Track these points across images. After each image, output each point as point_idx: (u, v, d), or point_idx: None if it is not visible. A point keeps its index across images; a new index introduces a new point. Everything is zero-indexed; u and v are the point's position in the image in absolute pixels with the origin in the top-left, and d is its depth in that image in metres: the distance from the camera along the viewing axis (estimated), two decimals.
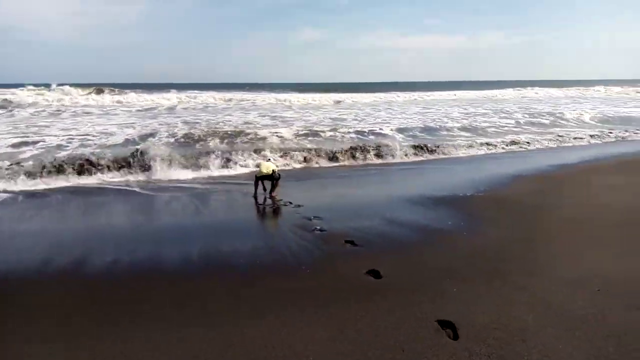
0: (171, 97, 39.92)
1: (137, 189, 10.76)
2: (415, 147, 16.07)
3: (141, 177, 11.95)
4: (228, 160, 13.42)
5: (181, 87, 75.71)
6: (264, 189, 10.06)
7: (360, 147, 15.50)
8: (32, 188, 10.72)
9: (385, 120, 25.28)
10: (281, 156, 14.09)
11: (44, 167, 11.77)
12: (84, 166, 12.11)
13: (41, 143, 16.32)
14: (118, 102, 36.41)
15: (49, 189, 10.72)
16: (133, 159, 12.62)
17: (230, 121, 24.04)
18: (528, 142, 18.03)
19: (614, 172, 12.02)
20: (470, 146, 16.75)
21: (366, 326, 4.26)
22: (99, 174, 11.92)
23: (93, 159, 12.56)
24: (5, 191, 10.34)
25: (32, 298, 5.13)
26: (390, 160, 14.48)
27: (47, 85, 49.72)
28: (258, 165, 10.59)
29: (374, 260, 5.88)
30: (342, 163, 14.21)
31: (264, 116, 27.47)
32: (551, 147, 17.63)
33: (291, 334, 4.19)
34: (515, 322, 4.25)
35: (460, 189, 9.90)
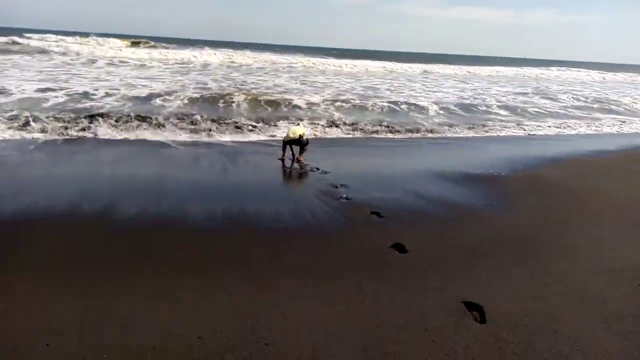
0: (206, 55, 39.80)
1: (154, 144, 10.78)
2: (449, 122, 15.60)
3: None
4: (238, 127, 13.03)
5: (216, 44, 75.70)
6: (293, 154, 9.89)
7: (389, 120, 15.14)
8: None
9: (420, 92, 24.43)
10: (309, 123, 13.86)
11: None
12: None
13: (67, 90, 16.58)
14: (152, 56, 36.33)
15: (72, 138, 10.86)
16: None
17: (262, 84, 23.74)
18: (569, 126, 17.23)
19: None
20: (506, 127, 16.06)
21: (387, 302, 4.10)
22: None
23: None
24: None
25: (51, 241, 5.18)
26: (422, 134, 13.94)
27: (86, 34, 50.77)
28: (287, 129, 10.38)
29: (400, 234, 5.67)
30: (371, 135, 13.71)
31: (295, 80, 27.09)
32: (595, 132, 16.69)
33: (306, 305, 4.05)
34: (546, 311, 4.00)
35: (495, 168, 9.46)
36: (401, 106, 18.49)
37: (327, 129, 13.49)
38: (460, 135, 13.88)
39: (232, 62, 37.51)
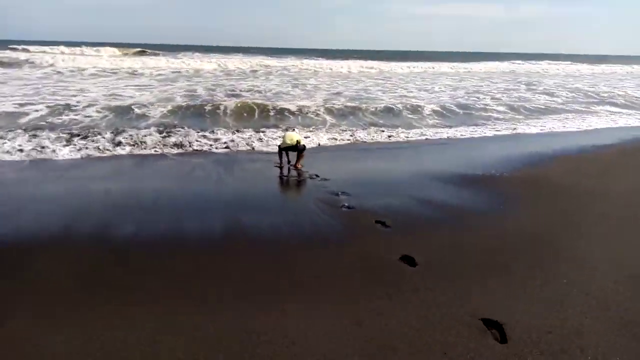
0: (197, 61, 39.48)
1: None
2: (446, 123, 15.52)
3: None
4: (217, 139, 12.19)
5: (205, 49, 75.63)
6: (288, 161, 9.65)
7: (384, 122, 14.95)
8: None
9: (414, 93, 24.17)
10: (303, 129, 13.60)
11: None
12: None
13: (49, 103, 16.12)
14: (144, 65, 35.86)
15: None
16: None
17: (256, 89, 23.41)
18: (566, 118, 17.22)
19: None
20: (503, 125, 15.94)
21: (400, 321, 3.87)
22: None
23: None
24: None
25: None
26: (419, 136, 13.66)
27: (77, 44, 50.70)
28: (283, 136, 10.14)
29: (408, 245, 5.46)
30: (366, 140, 13.30)
31: (287, 83, 26.83)
32: (590, 127, 16.50)
33: (312, 326, 3.82)
34: (569, 325, 3.80)
35: (496, 168, 9.31)
36: (397, 107, 18.29)
37: (322, 134, 13.19)
38: (458, 136, 13.64)
39: (225, 67, 37.15)
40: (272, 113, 16.45)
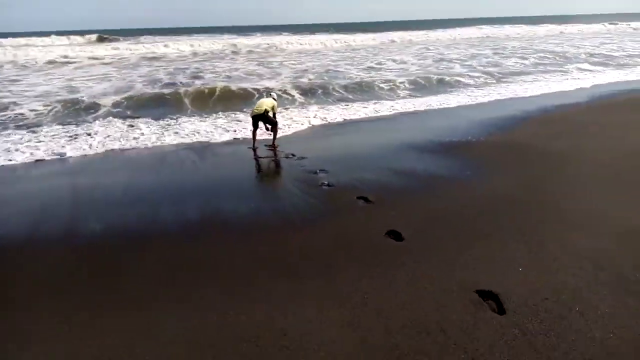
0: (159, 45, 37.88)
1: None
2: (417, 94, 15.37)
3: None
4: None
5: (168, 32, 73.18)
6: (254, 136, 9.29)
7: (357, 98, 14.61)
8: None
9: (384, 65, 23.82)
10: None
11: None
12: None
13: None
14: (112, 52, 34.09)
15: None
16: None
17: (217, 71, 22.45)
18: (537, 80, 17.36)
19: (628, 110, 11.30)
20: (474, 90, 15.88)
21: (393, 300, 3.69)
22: None
23: None
24: None
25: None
26: (391, 108, 13.27)
27: (46, 34, 48.59)
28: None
29: (392, 219, 5.27)
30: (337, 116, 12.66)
31: (252, 62, 26.12)
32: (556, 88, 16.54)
33: (299, 312, 3.61)
34: (566, 291, 3.69)
35: (472, 133, 9.24)
36: (366, 81, 17.97)
37: (294, 114, 12.70)
38: (434, 106, 13.38)
39: (190, 50, 35.76)
40: (237, 95, 15.81)
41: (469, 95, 14.89)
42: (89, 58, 29.83)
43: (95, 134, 10.72)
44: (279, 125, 9.79)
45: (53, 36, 48.85)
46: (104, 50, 34.15)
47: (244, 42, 40.55)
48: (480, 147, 8.31)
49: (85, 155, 9.28)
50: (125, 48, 35.53)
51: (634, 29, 54.81)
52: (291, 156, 8.56)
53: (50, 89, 17.51)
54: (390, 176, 6.95)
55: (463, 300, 3.60)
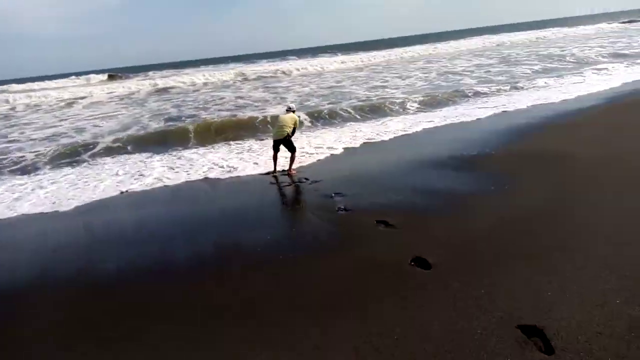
0: (168, 79, 38.46)
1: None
2: (426, 108, 15.14)
3: None
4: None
5: (174, 66, 74.69)
6: (275, 160, 9.05)
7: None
8: None
9: (390, 83, 23.55)
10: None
11: None
12: None
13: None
14: (121, 89, 34.66)
15: None
16: None
17: (224, 101, 22.29)
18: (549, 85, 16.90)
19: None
20: (486, 101, 15.56)
21: (427, 342, 3.33)
22: None
23: None
24: None
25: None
26: (402, 126, 12.84)
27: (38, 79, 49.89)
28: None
29: (417, 245, 4.93)
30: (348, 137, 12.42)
31: (257, 89, 26.17)
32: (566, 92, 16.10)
33: (325, 353, 3.28)
34: (619, 322, 3.28)
35: (490, 146, 8.89)
36: (374, 100, 17.77)
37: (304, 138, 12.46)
38: (448, 120, 12.93)
39: (195, 82, 36.07)
40: (241, 125, 15.30)
41: (479, 106, 14.55)
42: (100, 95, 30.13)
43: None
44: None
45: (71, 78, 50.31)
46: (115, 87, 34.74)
47: (249, 69, 40.96)
48: (500, 159, 7.96)
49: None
50: (134, 84, 36.02)
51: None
52: (304, 180, 8.32)
53: (58, 129, 17.65)
54: (409, 196, 6.63)
55: (506, 340, 3.21)
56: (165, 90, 31.28)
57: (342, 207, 6.53)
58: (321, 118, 15.45)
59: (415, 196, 6.61)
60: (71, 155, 12.98)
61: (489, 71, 23.76)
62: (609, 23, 64.49)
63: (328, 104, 18.01)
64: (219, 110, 19.15)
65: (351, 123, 14.25)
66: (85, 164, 12.01)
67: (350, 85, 23.80)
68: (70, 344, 3.88)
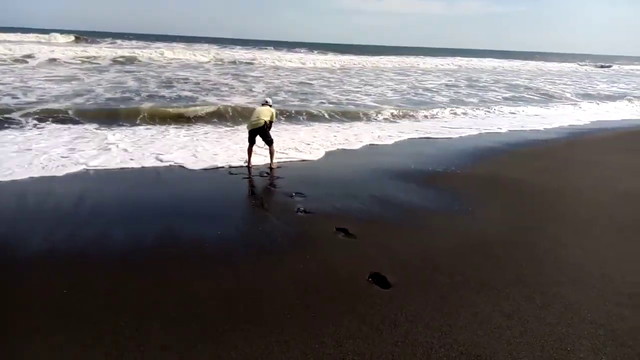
0: (133, 50, 36.70)
1: None
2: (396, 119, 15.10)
3: None
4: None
5: (144, 37, 72.04)
6: (250, 153, 8.38)
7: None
8: None
9: (360, 89, 23.27)
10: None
11: None
12: None
13: None
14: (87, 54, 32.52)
15: None
16: None
17: (188, 82, 21.17)
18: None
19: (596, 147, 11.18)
20: (453, 120, 15.69)
21: None
22: None
23: None
24: None
25: None
26: (371, 135, 12.54)
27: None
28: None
29: (376, 260, 4.63)
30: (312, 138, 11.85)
31: (226, 74, 25.36)
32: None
33: None
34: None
35: (454, 164, 8.88)
36: (343, 103, 17.51)
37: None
38: (413, 134, 12.70)
39: (174, 57, 34.50)
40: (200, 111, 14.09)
41: (447, 125, 14.58)
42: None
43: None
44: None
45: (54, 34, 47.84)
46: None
47: (222, 52, 39.85)
48: (463, 178, 7.88)
49: None
50: (100, 50, 34.06)
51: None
52: (265, 175, 7.92)
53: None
54: (372, 205, 6.36)
55: None
56: (130, 61, 29.72)
57: (302, 208, 6.17)
58: (287, 114, 14.76)
59: (378, 206, 6.35)
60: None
61: (459, 92, 24.10)
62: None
63: (297, 101, 17.53)
64: (182, 90, 18.26)
65: (317, 124, 13.79)
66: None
67: (320, 85, 23.38)
68: None
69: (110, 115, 12.78)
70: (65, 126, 11.30)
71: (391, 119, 15.38)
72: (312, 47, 73.34)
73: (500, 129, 13.64)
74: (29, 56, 26.65)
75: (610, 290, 4.18)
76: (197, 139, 10.58)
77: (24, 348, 3.17)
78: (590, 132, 13.83)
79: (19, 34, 48.62)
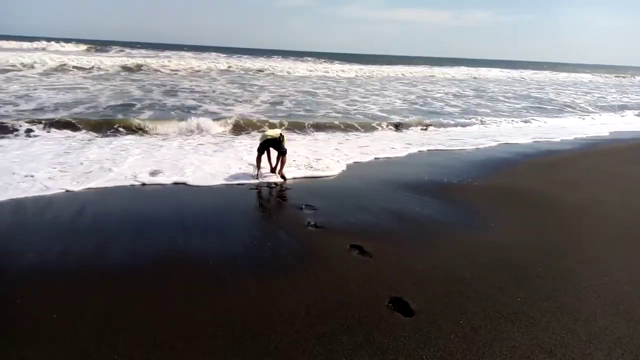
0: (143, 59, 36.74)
1: None
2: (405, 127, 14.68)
3: None
4: None
5: (153, 47, 72.66)
6: (271, 167, 8.06)
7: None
8: None
9: (367, 98, 22.84)
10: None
11: None
12: None
13: None
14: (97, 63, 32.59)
15: None
16: None
17: (193, 91, 20.90)
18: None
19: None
20: (464, 131, 15.25)
21: None
22: None
23: None
24: None
25: None
26: (379, 145, 12.19)
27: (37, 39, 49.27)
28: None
29: (395, 282, 4.20)
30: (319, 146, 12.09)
31: (232, 84, 25.14)
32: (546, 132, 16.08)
33: None
34: None
35: (469, 174, 8.48)
36: (351, 114, 17.12)
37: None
38: (423, 146, 12.29)
39: (182, 66, 34.39)
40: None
41: (458, 136, 14.17)
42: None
43: None
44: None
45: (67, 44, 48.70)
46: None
47: (229, 62, 39.80)
48: (480, 190, 7.46)
49: None
50: (108, 59, 34.11)
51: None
52: (274, 185, 7.55)
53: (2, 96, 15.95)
54: (389, 220, 5.93)
55: None
56: (138, 69, 29.66)
57: (312, 222, 5.77)
58: (293, 125, 14.08)
59: (393, 221, 5.92)
60: None
61: (468, 102, 23.69)
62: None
63: (303, 111, 17.14)
64: (186, 98, 18.02)
65: (324, 134, 13.23)
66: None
67: (326, 95, 23.02)
68: None
69: (99, 125, 11.95)
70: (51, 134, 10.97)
71: (401, 129, 14.94)
72: (319, 56, 73.43)
73: (515, 139, 13.16)
74: (38, 64, 26.63)
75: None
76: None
77: None
78: (609, 142, 13.36)
79: (35, 42, 49.34)
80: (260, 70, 35.52)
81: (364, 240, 5.17)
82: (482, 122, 16.81)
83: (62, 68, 26.77)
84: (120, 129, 11.68)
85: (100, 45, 56.36)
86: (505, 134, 14.29)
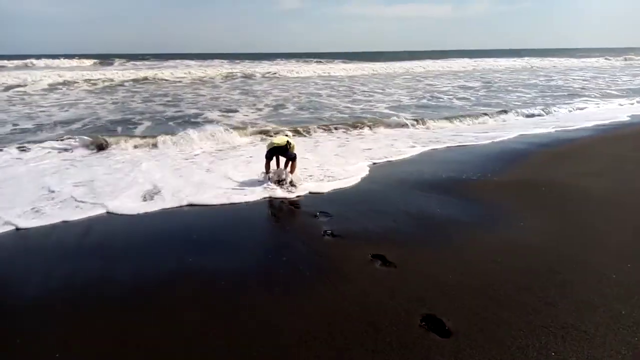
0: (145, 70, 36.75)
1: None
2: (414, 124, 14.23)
3: None
4: None
5: (158, 57, 73.11)
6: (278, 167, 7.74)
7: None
8: None
9: (373, 96, 22.49)
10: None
11: None
12: None
13: None
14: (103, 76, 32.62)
15: None
16: None
17: (197, 100, 20.72)
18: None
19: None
20: (476, 124, 14.77)
21: None
22: None
23: None
24: None
25: None
26: (392, 141, 11.94)
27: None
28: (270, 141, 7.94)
29: (425, 296, 3.82)
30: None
31: (235, 89, 24.88)
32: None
33: None
34: None
35: (489, 169, 8.07)
36: (356, 114, 16.69)
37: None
38: (436, 143, 11.89)
39: (174, 75, 34.25)
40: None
41: (472, 130, 13.73)
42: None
43: None
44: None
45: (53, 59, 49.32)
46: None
47: (231, 68, 39.69)
48: (503, 187, 7.03)
49: None
50: (111, 72, 34.05)
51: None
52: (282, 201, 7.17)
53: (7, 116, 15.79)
54: (407, 224, 5.55)
55: None
56: (142, 80, 29.66)
57: (329, 231, 5.41)
58: (298, 127, 13.69)
59: (414, 225, 5.54)
60: None
61: (476, 94, 23.17)
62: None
63: (308, 113, 16.74)
64: (188, 108, 17.77)
65: (331, 135, 12.83)
66: None
67: (329, 95, 22.60)
68: None
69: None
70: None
71: (411, 126, 14.51)
72: (318, 56, 73.25)
73: (531, 130, 12.68)
74: (40, 81, 26.66)
75: None
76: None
77: None
78: (632, 126, 12.84)
79: (42, 59, 50.09)
80: (265, 74, 35.36)
81: (386, 248, 4.80)
82: (493, 114, 16.31)
83: (66, 84, 26.77)
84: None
85: (106, 59, 56.89)
86: (519, 125, 13.84)
